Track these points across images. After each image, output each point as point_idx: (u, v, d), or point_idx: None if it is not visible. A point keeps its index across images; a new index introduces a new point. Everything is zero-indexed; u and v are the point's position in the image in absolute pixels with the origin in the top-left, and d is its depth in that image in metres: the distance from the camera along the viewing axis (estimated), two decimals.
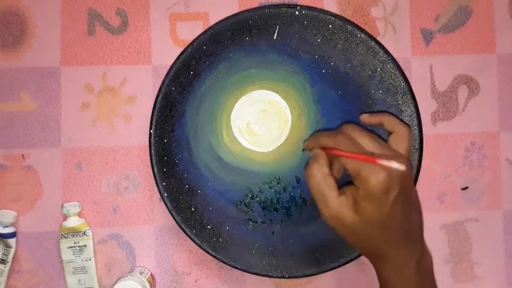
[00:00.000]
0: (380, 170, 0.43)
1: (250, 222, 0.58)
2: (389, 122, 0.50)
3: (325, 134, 0.49)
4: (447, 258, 0.62)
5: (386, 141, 0.49)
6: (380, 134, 0.50)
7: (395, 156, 0.45)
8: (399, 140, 0.48)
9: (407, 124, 0.50)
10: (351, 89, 0.58)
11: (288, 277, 0.57)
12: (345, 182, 0.48)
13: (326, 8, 0.61)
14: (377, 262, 0.48)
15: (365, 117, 0.52)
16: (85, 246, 0.59)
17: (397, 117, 0.52)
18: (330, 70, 0.58)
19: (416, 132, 0.57)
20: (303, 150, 0.58)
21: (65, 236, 0.58)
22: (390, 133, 0.50)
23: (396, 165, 0.41)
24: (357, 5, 0.61)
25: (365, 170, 0.43)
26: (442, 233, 0.62)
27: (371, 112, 0.53)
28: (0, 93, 0.60)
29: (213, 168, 0.59)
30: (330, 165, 0.49)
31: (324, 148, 0.48)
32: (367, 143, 0.46)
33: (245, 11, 0.58)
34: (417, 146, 0.57)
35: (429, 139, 0.61)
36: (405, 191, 0.44)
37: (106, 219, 0.60)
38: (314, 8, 0.58)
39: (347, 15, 0.61)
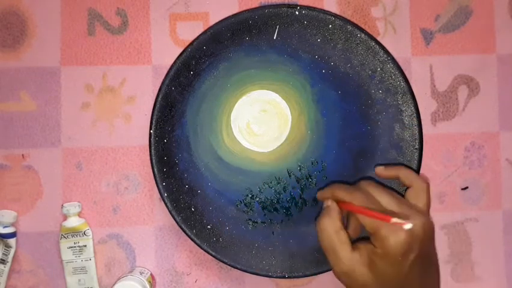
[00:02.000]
0: (400, 230, 0.41)
1: (250, 222, 0.58)
2: (406, 176, 0.48)
3: (341, 187, 0.47)
4: (447, 259, 0.62)
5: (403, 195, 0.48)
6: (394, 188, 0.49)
7: (413, 213, 0.43)
8: (417, 195, 0.46)
9: (424, 178, 0.48)
10: (351, 89, 0.58)
11: (288, 277, 0.57)
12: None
13: (326, 8, 0.61)
14: None
15: (380, 170, 0.50)
16: (85, 246, 0.59)
17: (413, 170, 0.50)
18: (330, 70, 0.58)
19: (416, 132, 0.57)
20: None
21: (65, 236, 0.58)
22: (407, 188, 0.48)
23: (409, 226, 0.40)
24: (357, 5, 0.61)
25: (384, 228, 0.41)
26: (442, 233, 0.62)
27: (386, 164, 0.51)
28: (0, 93, 0.60)
29: (213, 168, 0.59)
30: (347, 222, 0.47)
31: (338, 202, 0.47)
32: (385, 200, 0.44)
33: (245, 11, 0.58)
34: (417, 146, 0.57)
35: (429, 139, 0.61)
36: (425, 251, 0.42)
37: (106, 219, 0.60)
38: (314, 8, 0.58)
39: (347, 15, 0.61)
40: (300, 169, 0.59)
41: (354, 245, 0.44)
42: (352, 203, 0.45)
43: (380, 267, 0.42)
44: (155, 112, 0.57)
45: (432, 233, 0.44)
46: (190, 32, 0.60)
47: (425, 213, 0.45)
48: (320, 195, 0.50)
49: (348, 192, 0.46)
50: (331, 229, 0.44)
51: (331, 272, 0.58)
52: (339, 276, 0.44)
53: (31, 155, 0.60)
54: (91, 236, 0.59)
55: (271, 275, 0.57)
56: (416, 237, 0.41)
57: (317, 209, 0.58)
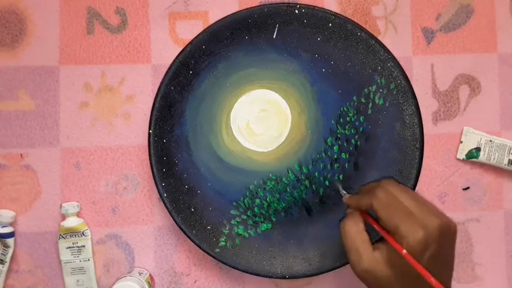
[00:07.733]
0: (418, 228, 0.43)
1: (250, 222, 0.58)
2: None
3: (365, 196, 0.49)
4: None
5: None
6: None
7: (430, 216, 0.44)
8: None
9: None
10: (351, 88, 0.58)
11: (288, 277, 0.57)
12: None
13: (327, 6, 0.61)
14: None
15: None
16: (84, 246, 0.58)
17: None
18: (330, 69, 0.58)
19: (417, 131, 0.57)
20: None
21: (64, 236, 0.58)
22: None
23: (404, 252, 0.43)
24: (357, 3, 0.61)
25: (403, 226, 0.44)
26: None
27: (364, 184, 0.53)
28: None
29: (212, 168, 0.58)
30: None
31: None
32: (406, 200, 0.46)
33: (245, 9, 0.57)
34: (418, 146, 0.57)
35: (430, 139, 0.61)
36: (441, 251, 0.44)
37: (105, 219, 0.60)
38: (314, 6, 0.57)
39: (348, 14, 0.61)
40: (300, 169, 0.58)
41: (374, 245, 0.47)
42: (375, 207, 0.47)
43: (399, 263, 0.44)
44: (155, 112, 0.57)
45: (452, 235, 0.46)
46: (190, 31, 0.60)
47: (444, 215, 0.47)
48: (346, 201, 0.52)
49: (371, 197, 0.47)
50: (354, 230, 0.47)
51: (331, 272, 0.58)
52: (360, 275, 0.46)
53: (29, 155, 0.59)
54: (89, 236, 0.59)
55: (271, 276, 0.57)
56: (433, 237, 0.43)
57: (317, 209, 0.58)
